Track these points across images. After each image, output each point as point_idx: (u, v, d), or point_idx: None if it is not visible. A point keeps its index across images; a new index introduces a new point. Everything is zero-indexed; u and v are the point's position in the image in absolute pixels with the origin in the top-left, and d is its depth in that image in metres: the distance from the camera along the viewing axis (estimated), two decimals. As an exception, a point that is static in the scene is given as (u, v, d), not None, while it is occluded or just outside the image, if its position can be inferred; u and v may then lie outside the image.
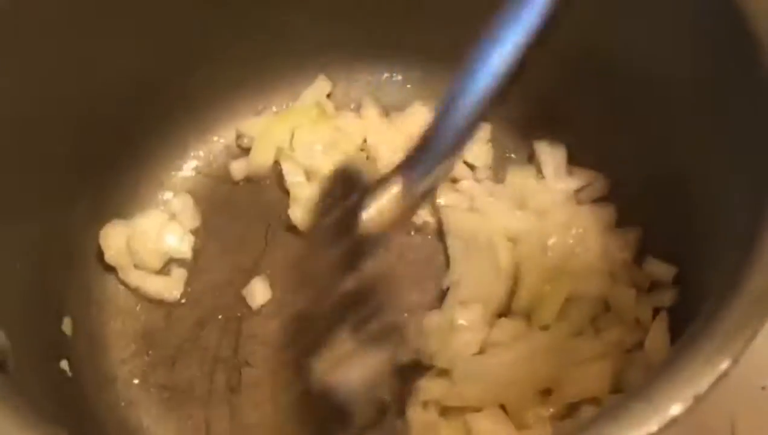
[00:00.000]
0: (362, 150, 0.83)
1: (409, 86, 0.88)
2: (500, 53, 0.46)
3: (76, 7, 0.68)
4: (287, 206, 0.80)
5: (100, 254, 0.77)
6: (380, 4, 0.82)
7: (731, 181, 0.58)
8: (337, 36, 0.84)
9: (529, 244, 0.72)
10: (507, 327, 0.69)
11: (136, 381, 0.73)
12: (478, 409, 0.67)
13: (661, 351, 0.65)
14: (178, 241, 0.79)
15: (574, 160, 0.79)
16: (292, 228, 0.80)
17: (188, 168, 0.84)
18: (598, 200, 0.77)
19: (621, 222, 0.75)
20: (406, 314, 0.73)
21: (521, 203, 0.76)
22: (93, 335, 0.74)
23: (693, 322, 0.49)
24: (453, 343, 0.68)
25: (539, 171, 0.79)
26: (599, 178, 0.78)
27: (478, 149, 0.81)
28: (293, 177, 0.81)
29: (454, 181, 0.80)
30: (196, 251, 0.79)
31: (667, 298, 0.69)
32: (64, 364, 0.69)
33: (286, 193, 0.81)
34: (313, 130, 0.82)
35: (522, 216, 0.75)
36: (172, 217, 0.80)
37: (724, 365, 0.42)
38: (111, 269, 0.77)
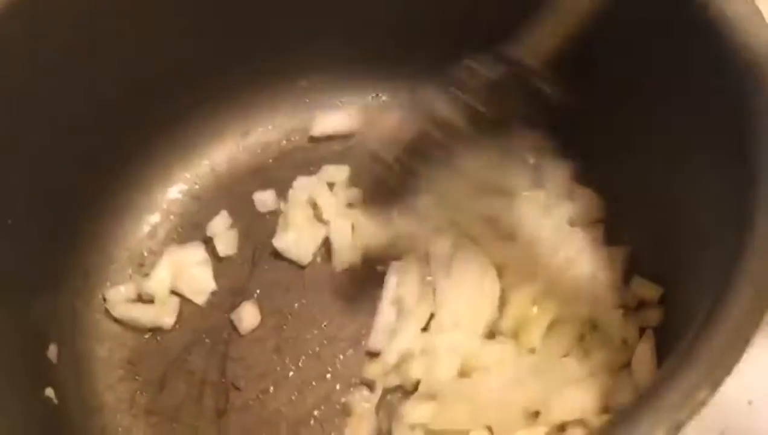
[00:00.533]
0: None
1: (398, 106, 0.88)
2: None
3: (57, 31, 0.69)
4: (274, 230, 0.80)
5: (83, 278, 0.77)
6: (366, 25, 0.82)
7: (717, 204, 0.58)
8: (322, 58, 0.84)
9: (517, 270, 0.72)
10: (493, 350, 0.69)
11: (123, 407, 0.73)
12: (465, 432, 0.66)
13: (647, 371, 0.65)
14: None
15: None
16: (277, 254, 0.80)
17: (175, 191, 0.84)
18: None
19: (608, 240, 0.75)
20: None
21: (511, 233, 0.75)
22: (79, 362, 0.74)
23: (678, 342, 0.49)
24: (437, 368, 0.68)
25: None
26: (597, 199, 0.77)
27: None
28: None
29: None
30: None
31: (653, 317, 0.69)
32: (49, 392, 0.68)
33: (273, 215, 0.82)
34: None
35: (512, 245, 0.75)
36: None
37: (704, 395, 0.42)
38: (97, 297, 0.78)
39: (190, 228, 0.82)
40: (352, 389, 0.72)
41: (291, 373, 0.74)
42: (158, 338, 0.76)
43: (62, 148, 0.73)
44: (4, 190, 0.68)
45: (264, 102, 0.86)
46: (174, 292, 0.78)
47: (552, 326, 0.69)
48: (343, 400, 0.72)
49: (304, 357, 0.75)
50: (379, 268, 0.77)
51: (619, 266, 0.73)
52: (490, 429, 0.66)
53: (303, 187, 0.82)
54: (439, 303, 0.72)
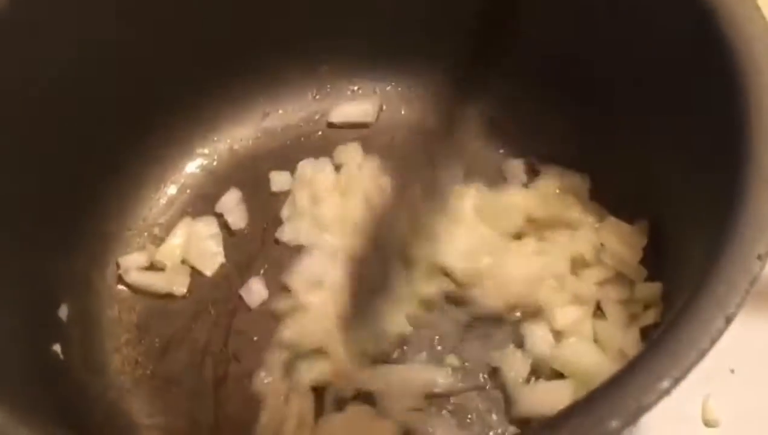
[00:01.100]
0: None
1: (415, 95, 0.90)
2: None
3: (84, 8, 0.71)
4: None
5: (99, 244, 0.80)
6: (390, 15, 0.84)
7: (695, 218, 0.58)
8: (341, 45, 0.86)
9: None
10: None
11: (126, 369, 0.75)
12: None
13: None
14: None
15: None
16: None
17: (193, 166, 0.87)
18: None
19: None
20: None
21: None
22: (87, 323, 0.76)
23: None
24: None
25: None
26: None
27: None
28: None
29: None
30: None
31: (651, 316, 0.70)
32: (56, 348, 0.71)
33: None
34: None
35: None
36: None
37: (666, 384, 0.43)
38: (111, 262, 0.80)
39: (205, 202, 0.85)
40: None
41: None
42: (166, 306, 0.79)
43: (86, 119, 0.75)
44: (28, 156, 0.70)
45: (285, 85, 0.88)
46: (185, 262, 0.80)
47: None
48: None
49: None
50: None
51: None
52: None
53: (307, 168, 0.84)
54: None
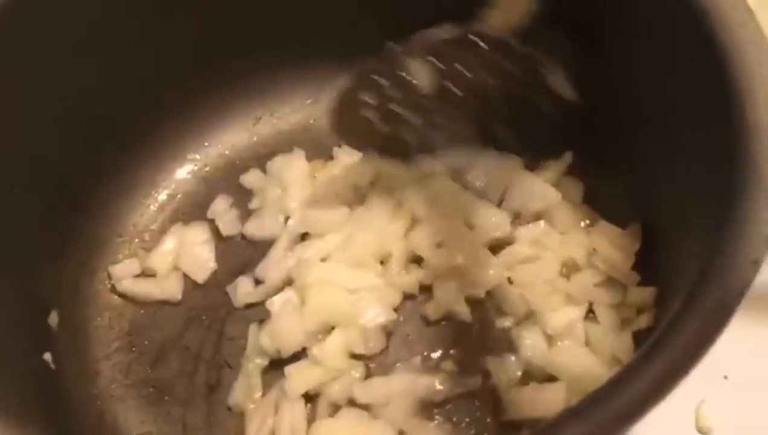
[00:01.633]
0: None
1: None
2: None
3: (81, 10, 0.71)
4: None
5: (89, 250, 0.79)
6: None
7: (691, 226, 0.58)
8: (333, 48, 0.85)
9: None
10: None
11: (118, 377, 0.75)
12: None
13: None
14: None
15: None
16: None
17: (184, 172, 0.86)
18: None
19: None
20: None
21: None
22: (78, 330, 0.76)
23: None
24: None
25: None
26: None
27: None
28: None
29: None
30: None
31: (644, 320, 0.70)
32: (47, 356, 0.70)
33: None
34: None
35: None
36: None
37: (661, 390, 0.43)
38: (101, 269, 0.80)
39: (197, 208, 0.84)
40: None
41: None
42: (157, 313, 0.78)
43: (76, 123, 0.75)
44: (17, 158, 0.70)
45: (277, 90, 0.88)
46: (176, 269, 0.80)
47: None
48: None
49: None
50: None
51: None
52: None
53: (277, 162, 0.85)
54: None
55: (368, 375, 0.73)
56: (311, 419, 0.71)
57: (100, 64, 0.75)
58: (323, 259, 0.77)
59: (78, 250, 0.79)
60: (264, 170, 0.85)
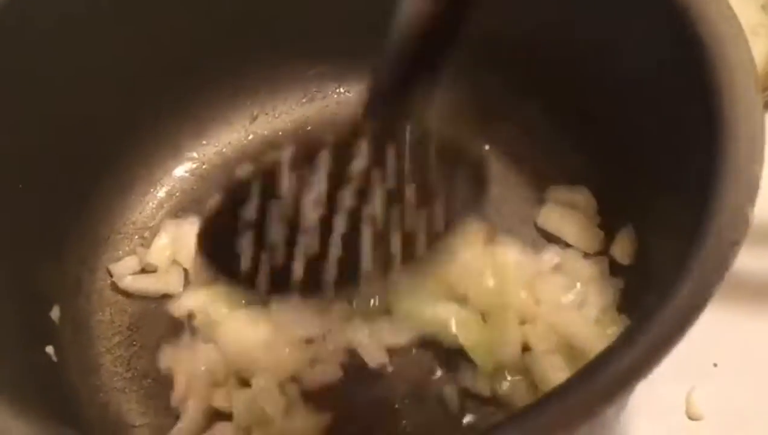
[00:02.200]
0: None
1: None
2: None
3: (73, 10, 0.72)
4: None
5: (89, 248, 0.81)
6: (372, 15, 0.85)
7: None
8: (329, 47, 0.87)
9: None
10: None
11: (119, 370, 0.76)
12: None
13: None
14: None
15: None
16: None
17: (182, 170, 0.87)
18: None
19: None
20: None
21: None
22: (80, 324, 0.77)
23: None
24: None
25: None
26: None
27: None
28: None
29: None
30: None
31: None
32: (49, 350, 0.71)
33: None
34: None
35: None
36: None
37: (645, 369, 0.44)
38: (102, 265, 0.81)
39: (195, 205, 0.85)
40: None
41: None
42: (158, 307, 0.79)
43: (75, 121, 0.76)
44: (17, 156, 0.71)
45: (273, 89, 0.90)
46: (176, 263, 0.81)
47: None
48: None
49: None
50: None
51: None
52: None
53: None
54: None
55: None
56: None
57: (98, 61, 0.75)
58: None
59: (78, 247, 0.80)
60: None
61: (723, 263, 0.47)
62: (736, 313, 0.74)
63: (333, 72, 0.90)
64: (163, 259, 0.81)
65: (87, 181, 0.80)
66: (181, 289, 0.80)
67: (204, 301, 0.76)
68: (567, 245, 0.76)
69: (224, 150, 0.89)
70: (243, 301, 0.75)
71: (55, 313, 0.75)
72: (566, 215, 0.76)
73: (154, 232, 0.84)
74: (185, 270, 0.81)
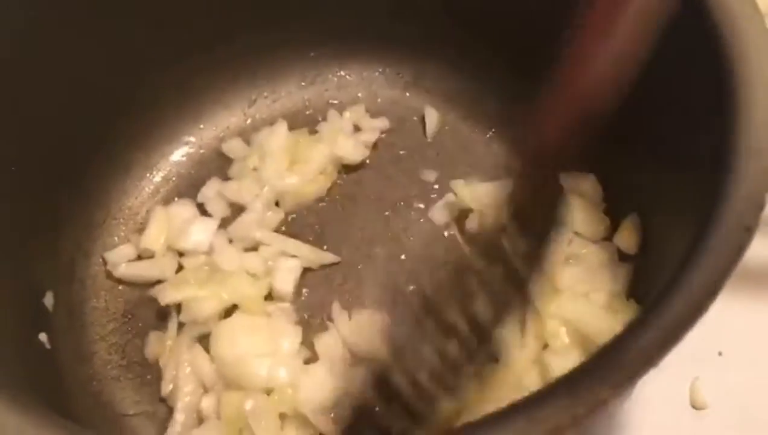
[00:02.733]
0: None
1: (402, 81, 0.90)
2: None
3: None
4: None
5: (84, 232, 0.79)
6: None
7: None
8: (329, 30, 0.85)
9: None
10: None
11: (113, 358, 0.75)
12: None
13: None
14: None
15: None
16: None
17: (179, 154, 0.86)
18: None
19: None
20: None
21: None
22: (74, 311, 0.76)
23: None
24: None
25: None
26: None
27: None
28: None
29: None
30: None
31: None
32: (42, 337, 0.70)
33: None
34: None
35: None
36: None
37: (654, 357, 0.43)
38: (96, 251, 0.80)
39: (192, 190, 0.84)
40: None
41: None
42: (152, 294, 0.78)
43: (71, 104, 0.75)
44: (12, 138, 0.70)
45: (272, 72, 0.88)
46: (170, 248, 0.79)
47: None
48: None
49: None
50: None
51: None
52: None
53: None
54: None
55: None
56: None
57: (95, 43, 0.75)
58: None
59: (73, 233, 0.78)
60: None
61: (737, 249, 0.45)
62: (742, 302, 0.73)
63: (333, 55, 0.88)
64: (158, 246, 0.79)
65: (82, 165, 0.78)
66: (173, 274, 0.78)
67: (194, 297, 0.74)
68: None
69: (222, 134, 0.87)
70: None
71: (48, 299, 0.73)
72: (572, 202, 0.75)
73: (150, 217, 0.82)
74: (180, 254, 0.79)
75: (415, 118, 0.88)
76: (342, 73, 0.90)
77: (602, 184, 0.76)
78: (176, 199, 0.84)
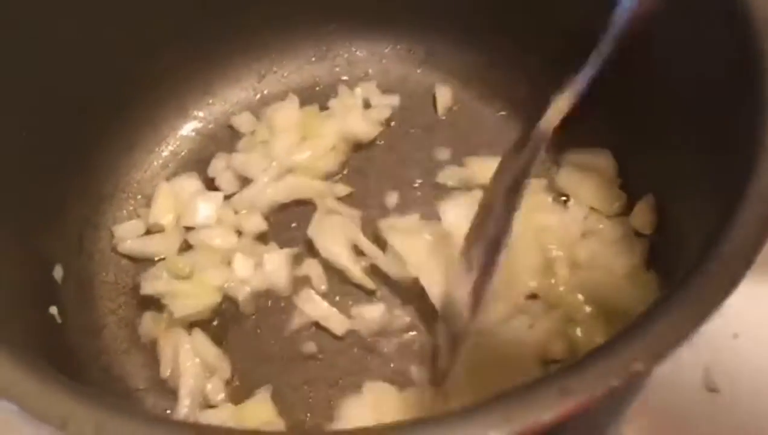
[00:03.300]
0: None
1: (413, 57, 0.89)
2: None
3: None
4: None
5: (92, 206, 0.78)
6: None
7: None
8: (341, 4, 0.84)
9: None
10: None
11: (122, 333, 0.74)
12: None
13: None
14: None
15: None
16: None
17: (188, 128, 0.85)
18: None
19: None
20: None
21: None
22: (83, 285, 0.75)
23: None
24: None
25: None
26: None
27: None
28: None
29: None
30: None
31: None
32: (53, 310, 0.69)
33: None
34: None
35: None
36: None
37: (686, 331, 0.42)
38: (105, 224, 0.79)
39: (200, 165, 0.83)
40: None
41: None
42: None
43: (80, 75, 0.74)
44: (21, 107, 0.68)
45: (282, 47, 0.87)
46: (178, 223, 0.79)
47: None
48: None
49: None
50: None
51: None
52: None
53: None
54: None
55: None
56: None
57: (105, 13, 0.73)
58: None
59: (81, 205, 0.77)
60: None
61: (765, 227, 0.45)
62: (758, 284, 0.72)
63: (345, 30, 0.87)
64: (167, 220, 0.78)
65: (91, 137, 0.77)
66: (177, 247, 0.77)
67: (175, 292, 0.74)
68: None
69: (230, 109, 0.86)
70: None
71: (57, 272, 0.72)
72: (586, 177, 0.74)
73: (158, 191, 0.81)
74: (186, 229, 0.78)
75: (426, 95, 0.87)
76: (353, 49, 0.89)
77: (619, 162, 0.75)
78: (184, 172, 0.82)
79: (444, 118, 0.85)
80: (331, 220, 0.77)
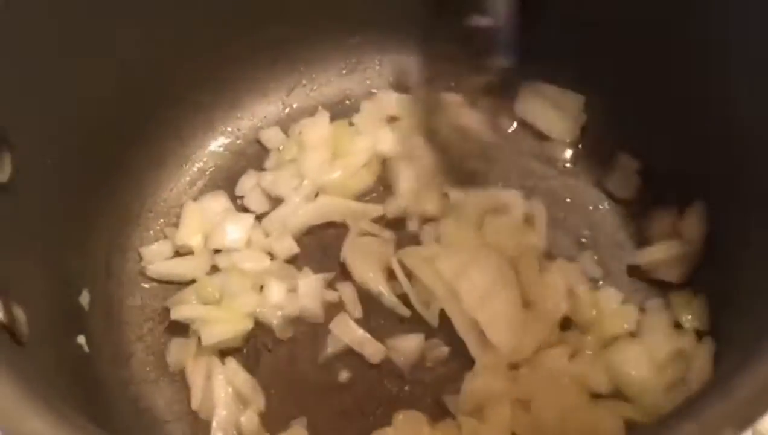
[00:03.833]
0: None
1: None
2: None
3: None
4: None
5: (119, 227, 0.76)
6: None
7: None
8: (369, 16, 0.81)
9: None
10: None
11: (151, 360, 0.72)
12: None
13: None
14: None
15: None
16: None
17: (216, 145, 0.82)
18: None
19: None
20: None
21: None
22: (110, 310, 0.73)
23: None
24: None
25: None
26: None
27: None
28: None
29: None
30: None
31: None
32: (81, 340, 0.67)
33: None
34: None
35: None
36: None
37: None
38: (132, 246, 0.77)
39: (228, 183, 0.81)
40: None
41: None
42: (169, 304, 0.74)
43: (107, 92, 0.71)
44: (47, 129, 0.66)
45: (311, 60, 0.84)
46: (206, 245, 0.76)
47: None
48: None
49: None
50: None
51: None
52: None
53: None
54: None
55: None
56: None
57: (132, 28, 0.70)
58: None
59: (107, 227, 0.75)
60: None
61: None
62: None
63: (375, 41, 0.84)
64: (195, 242, 0.76)
65: (117, 156, 0.75)
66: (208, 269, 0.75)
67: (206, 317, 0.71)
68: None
69: (259, 124, 0.83)
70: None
71: (84, 298, 0.70)
72: (547, 107, 0.78)
73: (185, 211, 0.78)
74: (215, 252, 0.76)
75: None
76: (386, 60, 0.86)
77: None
78: (212, 191, 0.80)
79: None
80: (364, 243, 0.75)
